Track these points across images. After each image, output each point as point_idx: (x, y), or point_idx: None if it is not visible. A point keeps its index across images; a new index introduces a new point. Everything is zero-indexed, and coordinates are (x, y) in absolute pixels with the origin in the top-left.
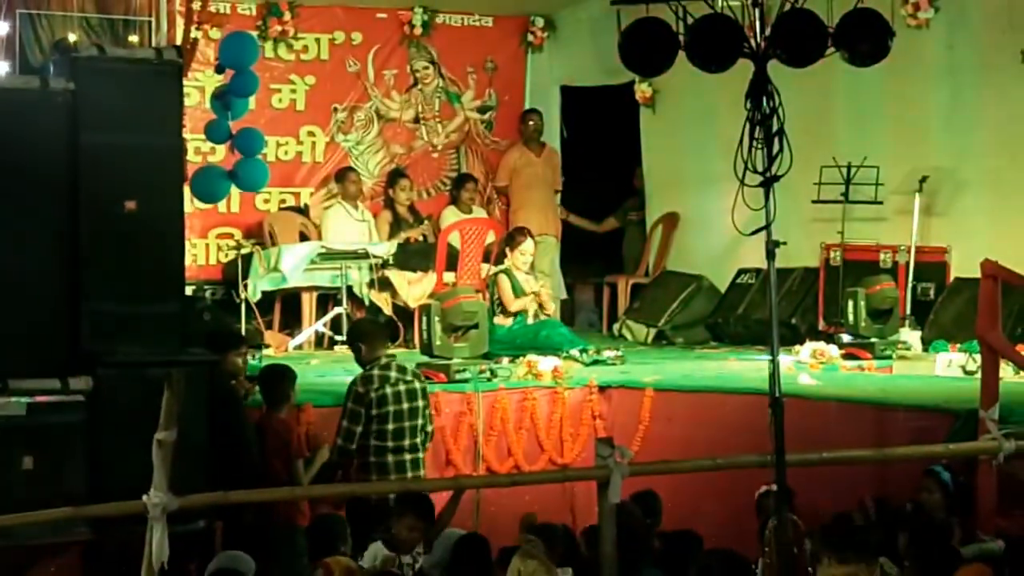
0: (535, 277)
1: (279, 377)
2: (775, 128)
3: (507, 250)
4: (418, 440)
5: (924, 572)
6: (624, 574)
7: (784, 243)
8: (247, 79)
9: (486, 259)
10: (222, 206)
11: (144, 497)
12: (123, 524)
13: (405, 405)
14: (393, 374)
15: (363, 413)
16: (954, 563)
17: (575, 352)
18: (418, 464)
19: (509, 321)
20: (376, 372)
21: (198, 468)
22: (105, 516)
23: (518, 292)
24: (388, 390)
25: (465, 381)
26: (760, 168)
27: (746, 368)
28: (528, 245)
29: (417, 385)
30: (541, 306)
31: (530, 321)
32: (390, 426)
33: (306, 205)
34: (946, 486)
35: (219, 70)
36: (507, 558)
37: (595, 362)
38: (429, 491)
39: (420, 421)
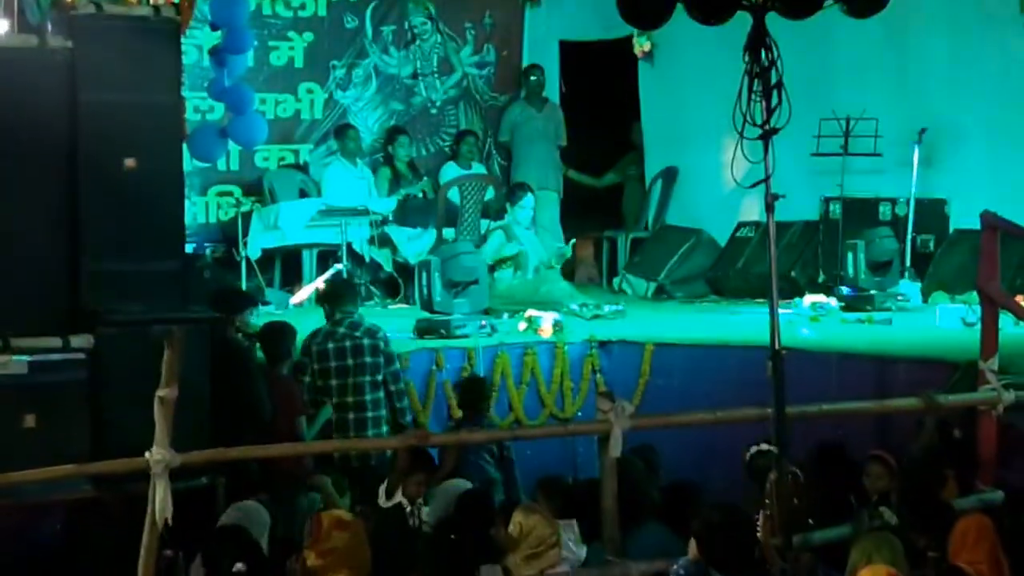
0: (535, 232)
1: (280, 334)
2: (774, 81)
3: (508, 205)
4: (366, 398)
5: (915, 523)
6: (626, 527)
7: (783, 196)
8: (240, 36)
9: (485, 215)
10: (221, 164)
11: (146, 454)
12: (126, 481)
13: (350, 361)
14: (341, 330)
15: (308, 364)
16: (944, 514)
17: (575, 307)
18: (364, 424)
19: (509, 274)
20: (325, 327)
21: (200, 425)
22: (108, 473)
23: (515, 245)
24: (330, 345)
25: (465, 336)
26: (759, 121)
27: (746, 321)
28: (529, 200)
29: (366, 342)
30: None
31: (530, 276)
32: (333, 382)
33: (305, 162)
34: (931, 433)
35: (215, 27)
36: (509, 511)
37: (595, 316)
38: (432, 446)
39: (368, 378)
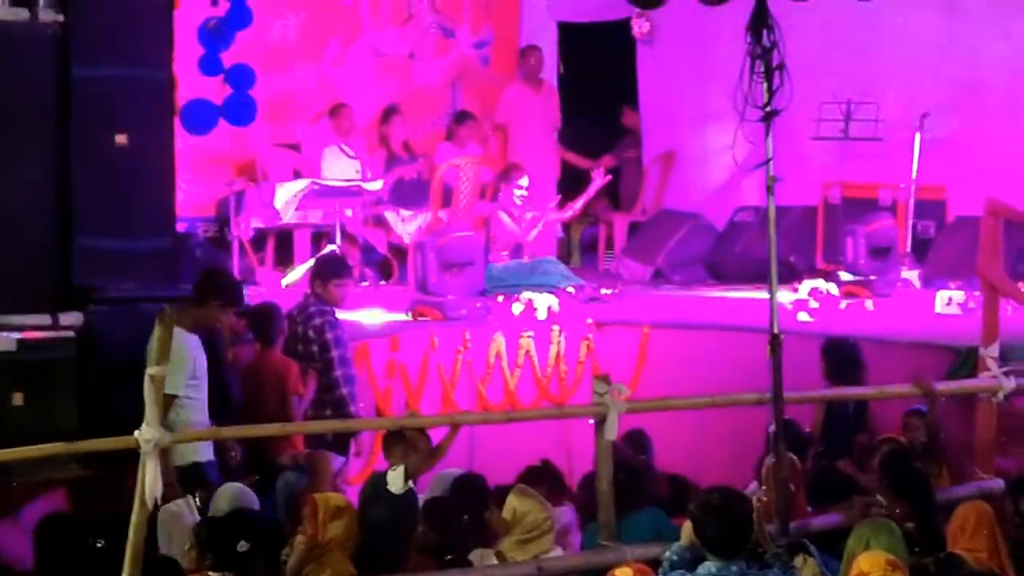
0: (528, 215)
1: (269, 314)
2: (776, 62)
3: (502, 186)
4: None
5: (911, 508)
6: (622, 512)
7: (781, 179)
8: (241, 10)
9: (482, 197)
10: (214, 142)
11: (136, 433)
12: (115, 460)
13: (291, 345)
14: (295, 314)
15: None
16: (924, 487)
17: (572, 290)
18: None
19: (504, 258)
20: (289, 311)
21: None
22: (97, 452)
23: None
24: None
25: (460, 318)
26: (760, 103)
27: (744, 306)
28: (524, 180)
29: (300, 329)
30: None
31: (525, 259)
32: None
33: (299, 141)
34: (934, 421)
35: (213, 1)
36: (503, 496)
37: (592, 300)
38: (425, 427)
39: (306, 364)
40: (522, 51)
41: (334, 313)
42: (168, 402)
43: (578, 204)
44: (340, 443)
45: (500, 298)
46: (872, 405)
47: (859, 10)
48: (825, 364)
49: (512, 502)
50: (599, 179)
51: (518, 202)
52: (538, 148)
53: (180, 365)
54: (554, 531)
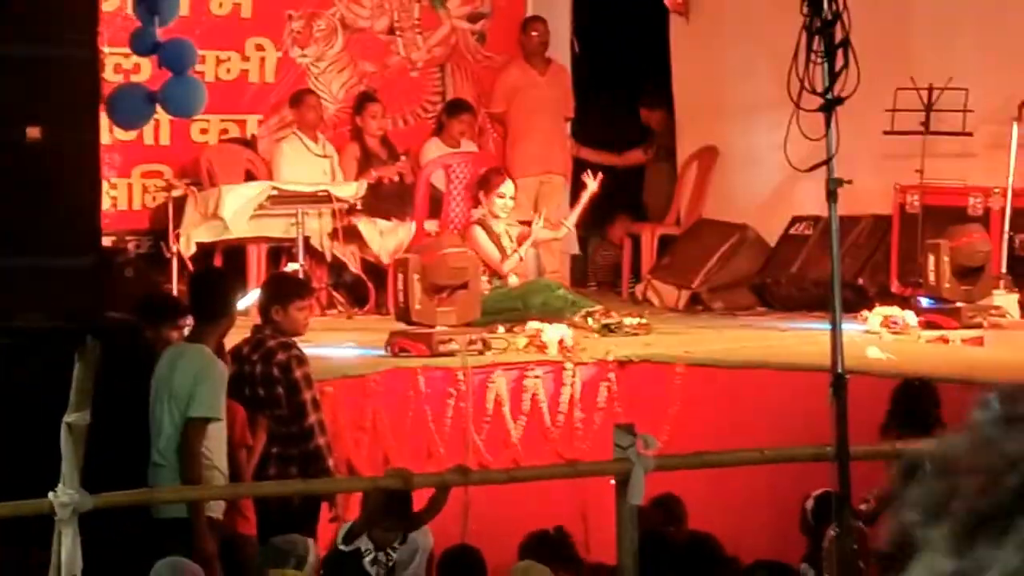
0: (515, 230)
1: None
2: (839, 39)
3: (481, 194)
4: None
5: None
6: None
7: (849, 182)
8: None
9: (477, 204)
10: (149, 137)
11: (50, 495)
12: (24, 529)
13: (247, 391)
14: (246, 350)
15: None
16: None
17: (583, 318)
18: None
19: (492, 282)
20: (236, 348)
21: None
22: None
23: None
24: (244, 368)
25: (451, 355)
26: (820, 89)
27: (801, 340)
28: (508, 188)
29: (259, 368)
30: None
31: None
32: None
33: (253, 137)
34: None
35: None
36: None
37: (611, 331)
38: (415, 488)
39: (264, 411)
40: (524, 24)
41: (298, 346)
42: (203, 428)
43: (571, 219)
44: (308, 509)
45: (500, 329)
46: None
47: None
48: (893, 408)
49: (518, 567)
50: (592, 184)
51: (502, 214)
52: (545, 143)
53: (220, 385)
54: None
